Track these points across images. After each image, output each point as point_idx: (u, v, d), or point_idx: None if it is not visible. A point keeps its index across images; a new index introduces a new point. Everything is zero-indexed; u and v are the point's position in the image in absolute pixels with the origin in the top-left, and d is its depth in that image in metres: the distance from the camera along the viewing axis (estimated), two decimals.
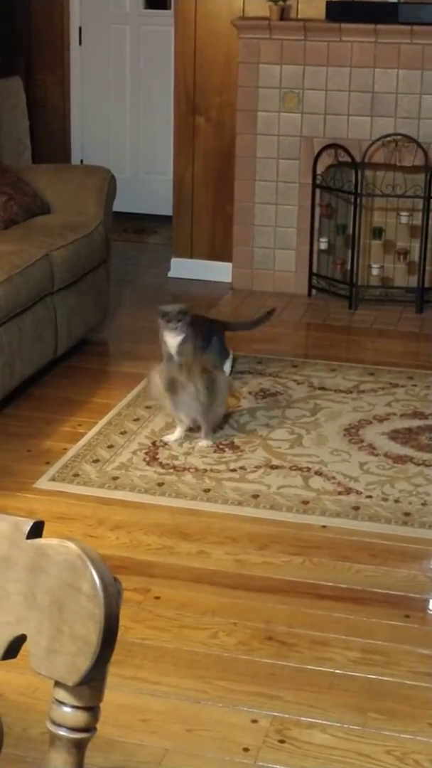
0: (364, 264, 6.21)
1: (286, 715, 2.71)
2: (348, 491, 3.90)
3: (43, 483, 3.94)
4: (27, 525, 1.25)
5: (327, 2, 5.98)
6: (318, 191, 6.15)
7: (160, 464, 4.09)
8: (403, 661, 2.94)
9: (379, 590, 3.29)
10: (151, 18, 7.74)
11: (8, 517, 1.27)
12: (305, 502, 3.82)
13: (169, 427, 4.38)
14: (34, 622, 1.22)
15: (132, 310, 6.03)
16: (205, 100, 6.35)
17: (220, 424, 4.37)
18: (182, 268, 6.58)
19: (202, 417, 4.24)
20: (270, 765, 2.54)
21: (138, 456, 4.15)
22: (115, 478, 3.97)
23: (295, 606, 3.20)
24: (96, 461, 4.10)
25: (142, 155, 7.84)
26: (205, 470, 4.05)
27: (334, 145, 6.01)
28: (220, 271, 6.44)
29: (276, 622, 3.11)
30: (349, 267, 6.12)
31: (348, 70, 5.98)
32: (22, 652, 1.29)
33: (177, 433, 4.30)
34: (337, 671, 2.90)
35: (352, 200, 6.01)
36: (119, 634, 1.22)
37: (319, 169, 6.10)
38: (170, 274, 6.62)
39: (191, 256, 6.58)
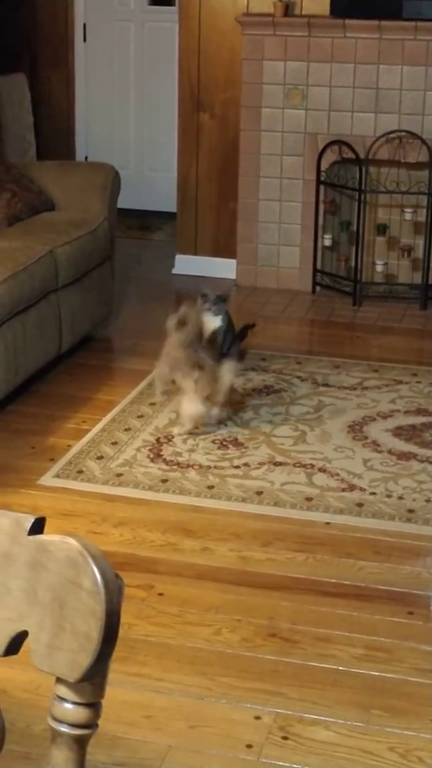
0: (368, 261, 6.20)
1: (290, 712, 2.71)
2: (352, 488, 3.90)
3: (47, 480, 3.94)
4: (29, 521, 1.25)
5: None
6: (322, 188, 6.14)
7: (164, 461, 4.09)
8: (406, 658, 2.94)
9: (383, 587, 3.29)
10: (156, 14, 7.74)
11: (10, 513, 1.27)
12: (309, 499, 3.82)
13: (173, 423, 4.38)
14: (36, 618, 1.22)
15: (136, 306, 6.03)
16: (209, 96, 6.35)
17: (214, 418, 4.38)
18: (186, 264, 6.57)
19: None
20: (273, 761, 2.54)
21: (142, 453, 4.15)
22: (119, 475, 3.97)
23: (298, 603, 3.20)
24: (100, 458, 4.10)
25: (147, 152, 7.84)
26: (209, 467, 4.05)
27: (338, 142, 6.00)
28: (224, 268, 6.43)
29: (279, 619, 3.11)
30: (353, 264, 6.12)
31: (352, 67, 5.97)
32: (23, 648, 1.29)
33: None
34: (341, 668, 2.90)
35: (357, 197, 6.00)
36: (122, 630, 1.22)
37: (323, 166, 6.09)
38: (174, 270, 6.62)
39: (195, 253, 6.58)
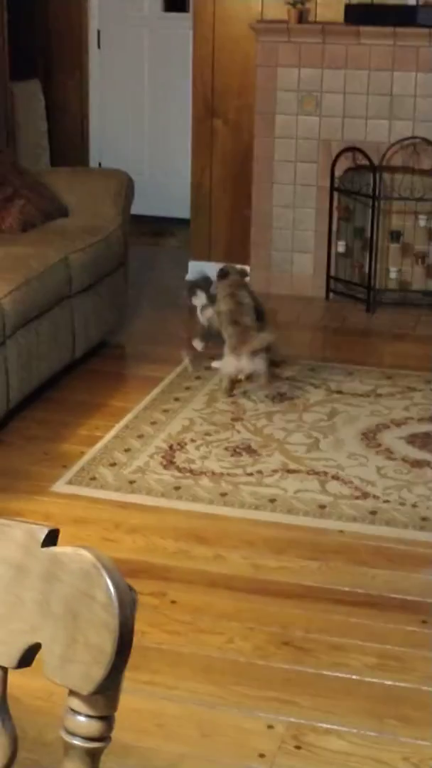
0: (382, 267, 6.19)
1: (303, 721, 2.70)
2: (365, 496, 3.89)
3: (60, 486, 3.94)
4: (42, 533, 1.25)
5: (345, 5, 5.97)
6: (336, 194, 6.14)
7: (177, 468, 4.09)
8: (420, 667, 2.93)
9: (396, 595, 3.28)
10: (170, 21, 7.75)
11: (23, 525, 1.27)
12: (322, 507, 3.81)
13: (186, 430, 4.38)
14: (49, 630, 1.22)
15: (149, 313, 6.03)
16: (223, 102, 6.35)
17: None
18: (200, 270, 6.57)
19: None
20: None
21: (155, 460, 4.15)
22: (131, 482, 3.97)
23: (311, 611, 3.19)
24: (113, 465, 4.10)
25: (160, 158, 7.85)
26: (222, 474, 4.05)
27: (352, 148, 6.00)
28: None
29: (292, 627, 3.10)
30: (366, 270, 6.11)
31: (366, 73, 5.97)
32: (37, 657, 1.29)
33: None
34: (354, 677, 2.89)
35: (370, 203, 5.99)
36: (135, 638, 1.21)
37: (337, 172, 6.09)
38: (188, 277, 6.62)
39: (209, 259, 6.57)
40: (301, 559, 3.47)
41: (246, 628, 3.09)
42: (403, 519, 3.73)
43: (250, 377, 4.74)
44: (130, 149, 7.82)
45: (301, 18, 6.02)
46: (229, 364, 4.71)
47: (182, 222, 7.22)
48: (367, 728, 2.68)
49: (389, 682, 2.87)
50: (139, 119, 7.86)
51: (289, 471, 4.08)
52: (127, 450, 4.23)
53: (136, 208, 5.80)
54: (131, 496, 3.88)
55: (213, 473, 4.05)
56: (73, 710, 1.24)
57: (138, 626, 1.24)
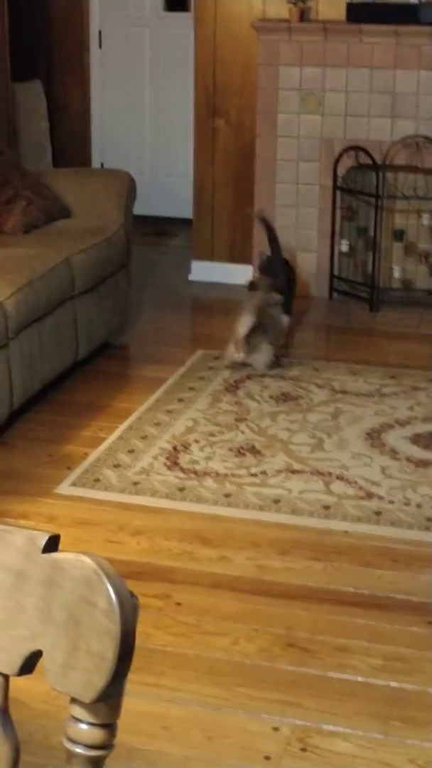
0: (386, 266, 6.18)
1: (308, 723, 2.69)
2: (370, 496, 3.88)
3: (64, 488, 3.93)
4: (43, 539, 1.24)
5: (347, 3, 5.96)
6: (339, 193, 6.13)
7: (181, 469, 4.08)
8: (425, 668, 2.91)
9: (402, 596, 3.27)
10: (171, 20, 7.74)
11: (24, 531, 1.26)
12: (327, 507, 3.80)
13: (190, 431, 4.37)
14: (50, 637, 1.21)
15: (152, 313, 6.02)
16: (224, 102, 6.34)
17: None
18: (203, 270, 6.57)
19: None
20: None
21: (159, 461, 4.14)
22: (135, 483, 3.96)
23: (316, 612, 3.18)
24: (117, 466, 4.09)
25: (162, 158, 7.84)
26: (226, 475, 4.04)
27: (354, 147, 5.99)
28: (240, 274, 6.40)
29: (297, 629, 3.09)
30: (370, 269, 6.10)
31: (368, 72, 5.95)
32: (41, 661, 1.28)
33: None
34: (359, 678, 2.88)
35: (373, 202, 5.98)
36: (139, 640, 1.20)
37: (340, 172, 6.08)
38: (191, 277, 6.61)
39: (212, 259, 6.57)
40: (305, 560, 3.46)
41: (251, 630, 3.08)
42: (408, 519, 3.71)
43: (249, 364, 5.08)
44: (132, 149, 7.82)
45: (303, 16, 6.01)
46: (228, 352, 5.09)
47: (185, 222, 7.21)
48: (372, 730, 2.67)
49: (395, 684, 2.85)
50: (141, 119, 7.85)
51: (294, 471, 4.07)
52: (131, 451, 4.22)
53: (139, 209, 5.80)
54: (135, 497, 3.87)
55: (217, 474, 4.04)
56: (75, 718, 1.23)
57: (142, 628, 1.24)
